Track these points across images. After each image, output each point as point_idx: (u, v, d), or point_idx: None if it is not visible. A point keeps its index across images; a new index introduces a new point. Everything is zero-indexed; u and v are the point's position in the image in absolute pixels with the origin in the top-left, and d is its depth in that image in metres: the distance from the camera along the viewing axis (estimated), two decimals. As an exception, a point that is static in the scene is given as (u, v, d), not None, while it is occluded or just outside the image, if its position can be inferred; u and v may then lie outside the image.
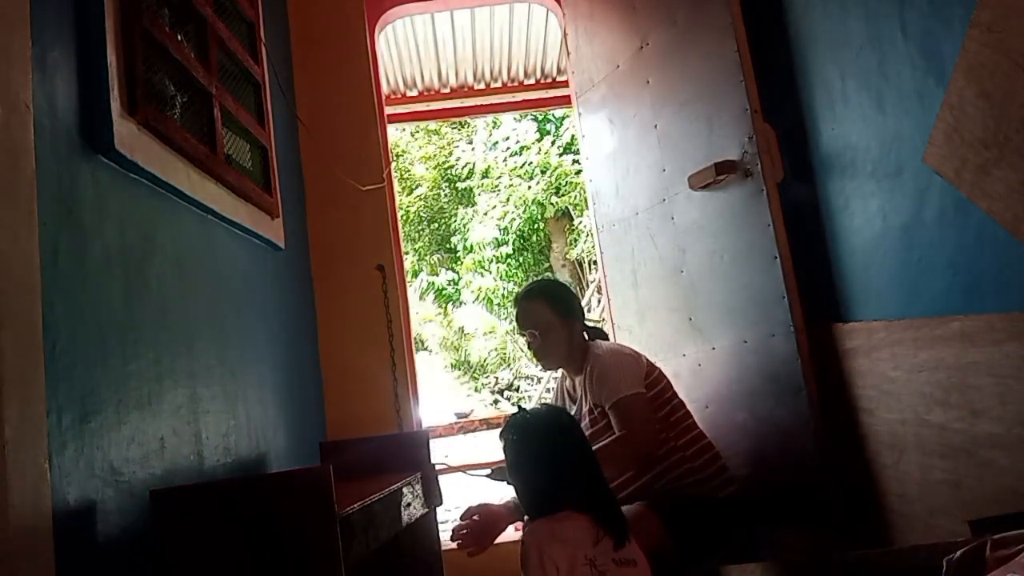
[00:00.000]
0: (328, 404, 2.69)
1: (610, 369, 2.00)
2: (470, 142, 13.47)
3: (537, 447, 1.58)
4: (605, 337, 2.24)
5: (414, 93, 4.25)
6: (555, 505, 1.49)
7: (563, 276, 12.73)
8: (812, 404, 1.95)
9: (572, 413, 2.10)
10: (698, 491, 1.95)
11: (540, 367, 2.28)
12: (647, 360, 2.09)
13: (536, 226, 12.94)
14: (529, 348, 2.20)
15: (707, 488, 1.96)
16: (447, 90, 4.26)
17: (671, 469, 1.97)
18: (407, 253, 12.34)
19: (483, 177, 13.24)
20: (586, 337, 2.17)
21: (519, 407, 1.72)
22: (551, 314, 2.13)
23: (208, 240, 1.68)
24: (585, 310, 2.27)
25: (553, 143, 12.59)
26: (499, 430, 1.67)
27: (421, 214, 13.80)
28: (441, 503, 1.89)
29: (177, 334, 1.44)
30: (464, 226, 13.46)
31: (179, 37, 1.55)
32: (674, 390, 2.09)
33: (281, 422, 2.05)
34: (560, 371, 2.26)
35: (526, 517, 1.63)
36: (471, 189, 13.43)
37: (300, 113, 2.74)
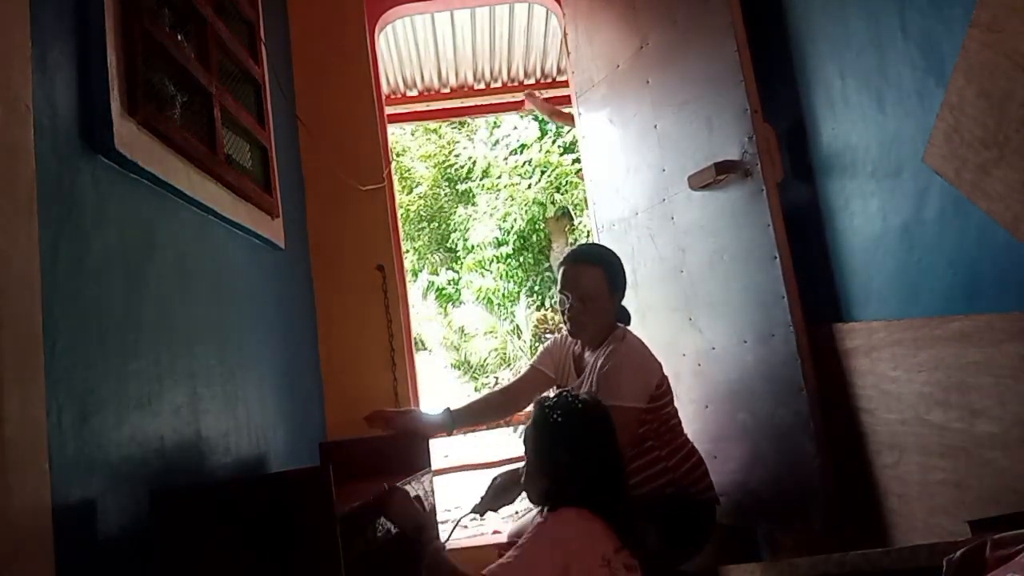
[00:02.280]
0: (328, 404, 2.69)
1: (622, 372, 1.91)
2: (471, 140, 13.46)
3: (586, 435, 1.49)
4: (628, 317, 2.14)
5: (414, 93, 4.25)
6: (579, 499, 1.42)
7: (563, 276, 12.69)
8: (812, 404, 1.95)
9: (574, 383, 2.06)
10: (675, 492, 1.93)
11: (567, 332, 2.08)
12: (662, 372, 2.01)
13: (536, 226, 12.92)
14: (565, 312, 2.04)
15: (686, 492, 1.95)
16: (447, 90, 4.26)
17: (645, 467, 1.94)
18: (407, 253, 12.33)
19: (483, 176, 13.23)
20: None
21: (564, 393, 1.58)
22: (605, 285, 2.00)
23: (208, 240, 1.68)
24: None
25: (554, 142, 12.58)
26: (539, 407, 1.54)
27: (421, 213, 13.78)
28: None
29: (177, 334, 1.44)
30: (464, 226, 13.45)
31: (179, 37, 1.55)
32: (673, 399, 2.05)
33: (281, 422, 2.05)
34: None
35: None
36: (471, 188, 13.42)
37: (300, 113, 2.74)
